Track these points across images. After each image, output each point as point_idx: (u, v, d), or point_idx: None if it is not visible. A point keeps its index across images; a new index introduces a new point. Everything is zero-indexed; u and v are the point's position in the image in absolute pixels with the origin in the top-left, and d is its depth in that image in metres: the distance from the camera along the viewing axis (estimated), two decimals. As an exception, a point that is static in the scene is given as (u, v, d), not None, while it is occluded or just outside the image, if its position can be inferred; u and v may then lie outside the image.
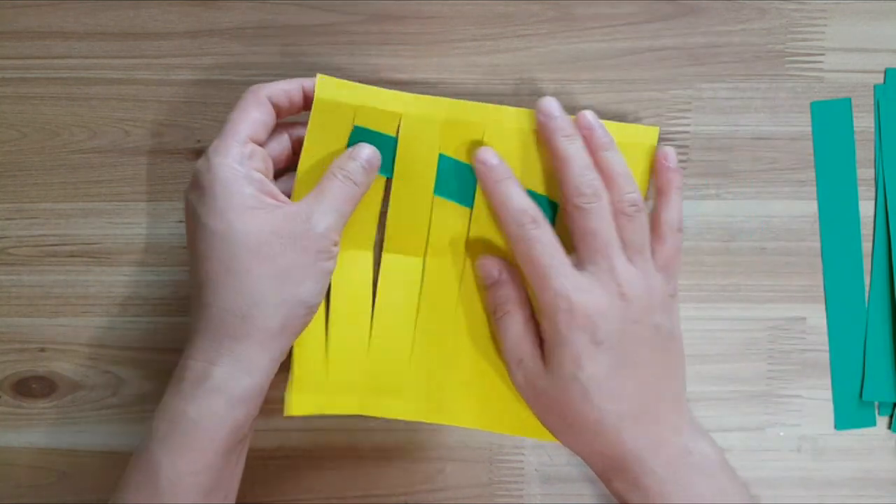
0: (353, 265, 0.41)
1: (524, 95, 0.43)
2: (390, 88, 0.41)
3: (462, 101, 0.40)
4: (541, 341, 0.39)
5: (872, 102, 0.43)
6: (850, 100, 0.43)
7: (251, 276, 0.35)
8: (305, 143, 0.40)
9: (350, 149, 0.39)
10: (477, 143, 0.40)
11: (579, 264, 0.38)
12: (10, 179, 0.43)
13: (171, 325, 0.44)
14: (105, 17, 0.43)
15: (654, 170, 0.40)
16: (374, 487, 0.44)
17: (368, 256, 0.42)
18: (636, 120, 0.43)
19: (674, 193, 0.40)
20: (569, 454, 0.43)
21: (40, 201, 0.43)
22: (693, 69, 0.43)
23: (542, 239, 0.38)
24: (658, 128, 0.41)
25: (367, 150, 0.39)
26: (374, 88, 0.40)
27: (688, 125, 0.43)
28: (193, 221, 0.36)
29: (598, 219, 0.38)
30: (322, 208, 0.37)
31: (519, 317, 0.39)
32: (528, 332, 0.39)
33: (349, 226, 0.40)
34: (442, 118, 0.40)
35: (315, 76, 0.39)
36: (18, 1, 0.43)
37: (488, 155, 0.39)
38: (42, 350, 0.44)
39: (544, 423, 0.40)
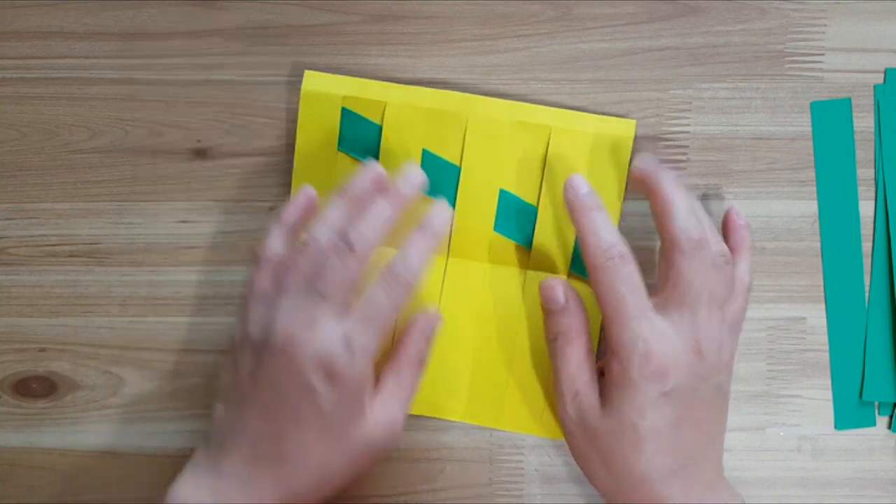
0: None
1: (524, 95, 0.43)
2: (390, 88, 0.42)
3: (445, 91, 0.42)
4: (598, 376, 0.39)
5: (872, 102, 0.43)
6: (850, 100, 0.43)
7: (339, 472, 0.37)
8: (298, 139, 0.41)
9: (416, 320, 0.40)
10: (459, 136, 0.41)
11: (662, 307, 0.37)
12: (10, 179, 0.43)
13: (172, 325, 0.44)
14: (105, 17, 0.43)
15: (727, 226, 0.41)
16: (374, 487, 0.44)
17: None
18: (636, 120, 0.43)
19: (746, 252, 0.40)
20: (569, 454, 0.43)
21: (40, 201, 0.43)
22: (693, 69, 0.43)
23: (629, 276, 0.37)
24: (635, 121, 0.42)
25: (428, 320, 0.40)
26: (359, 79, 0.42)
27: (688, 125, 0.43)
28: (308, 394, 0.36)
29: (700, 268, 0.37)
30: (403, 413, 0.39)
31: (582, 348, 0.39)
32: (587, 365, 0.39)
33: None
34: (425, 106, 0.41)
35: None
36: (18, 1, 0.43)
37: (580, 183, 0.38)
38: (42, 350, 0.44)
39: (582, 465, 0.39)
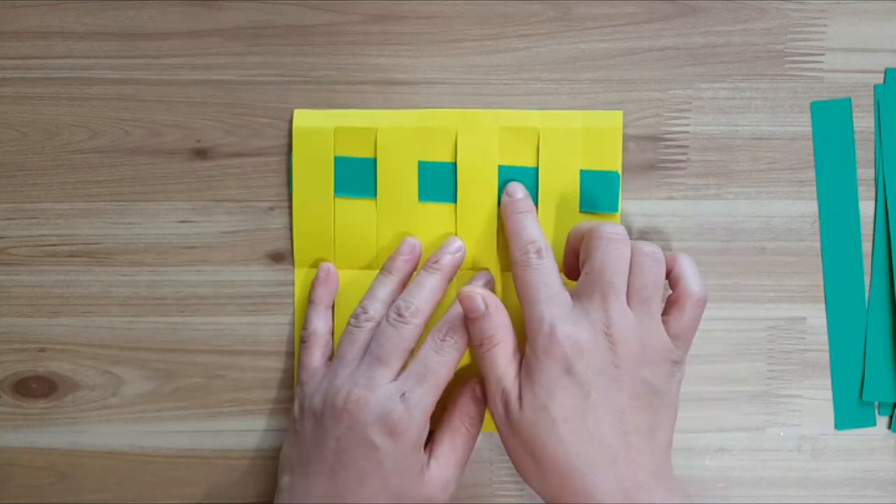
0: (357, 284, 0.43)
1: (524, 95, 0.43)
2: (390, 88, 0.43)
3: (432, 110, 0.42)
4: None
5: (872, 102, 0.43)
6: (850, 100, 0.43)
7: None
8: (294, 176, 0.42)
9: (469, 385, 0.41)
10: (451, 150, 0.42)
11: (576, 297, 0.38)
12: (10, 179, 0.43)
13: (171, 325, 0.44)
14: (105, 17, 0.43)
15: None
16: (374, 487, 0.44)
17: (372, 275, 0.43)
18: (636, 120, 0.43)
19: (684, 265, 0.39)
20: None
21: (40, 201, 0.43)
22: (693, 69, 0.43)
23: (541, 267, 0.38)
24: (621, 112, 0.42)
25: (480, 385, 0.41)
26: (348, 111, 0.42)
27: (688, 125, 0.43)
28: (371, 451, 0.37)
29: (616, 257, 0.37)
30: (458, 473, 0.40)
31: (507, 347, 0.39)
32: (513, 363, 0.38)
33: (351, 249, 0.43)
34: (415, 126, 0.42)
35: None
36: (18, 1, 0.43)
37: (515, 188, 0.42)
38: (42, 350, 0.44)
39: (517, 466, 0.39)
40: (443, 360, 0.39)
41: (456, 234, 0.42)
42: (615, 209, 0.42)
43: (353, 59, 0.43)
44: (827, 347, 0.43)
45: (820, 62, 0.43)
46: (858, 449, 0.44)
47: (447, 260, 0.41)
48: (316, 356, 0.42)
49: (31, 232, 0.43)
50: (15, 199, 0.43)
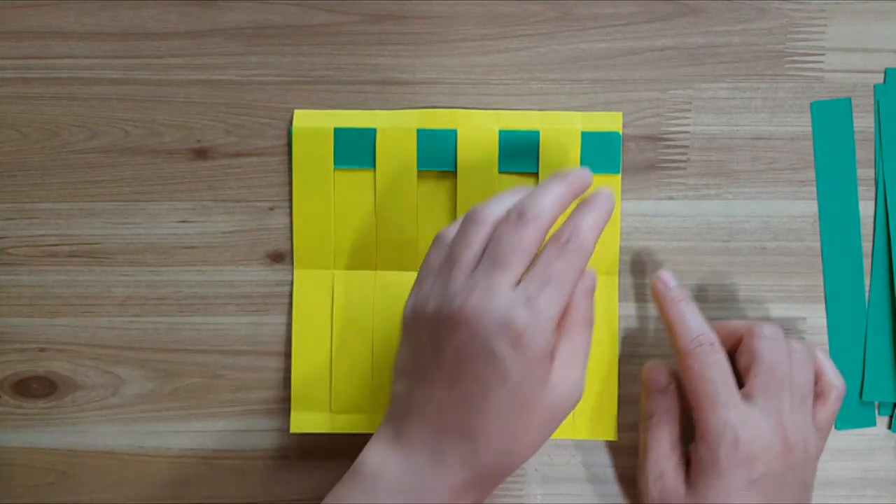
0: (357, 284, 0.43)
1: (524, 95, 0.43)
2: (390, 88, 0.43)
3: (432, 110, 0.42)
4: (686, 461, 0.39)
5: (872, 102, 0.43)
6: (850, 100, 0.43)
7: (527, 442, 0.35)
8: (294, 174, 0.42)
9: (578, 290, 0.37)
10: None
11: (748, 396, 0.38)
12: (10, 179, 0.43)
13: (171, 325, 0.44)
14: (105, 17, 0.43)
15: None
16: (374, 487, 0.44)
17: (372, 275, 0.43)
18: (636, 120, 0.43)
19: (819, 352, 0.40)
20: (569, 454, 0.43)
21: (40, 201, 0.43)
22: (693, 69, 0.43)
23: (719, 363, 0.38)
24: (621, 113, 0.42)
25: (585, 278, 0.37)
26: (347, 111, 0.42)
27: (688, 125, 0.43)
28: (493, 362, 0.34)
29: (780, 356, 0.38)
30: (582, 375, 0.36)
31: (673, 430, 0.40)
32: (676, 448, 0.39)
33: (351, 245, 0.42)
34: (414, 127, 0.42)
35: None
36: (18, 1, 0.43)
37: (668, 277, 0.40)
38: (42, 350, 0.44)
39: None
40: (567, 264, 0.34)
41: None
42: (617, 170, 0.42)
43: (353, 59, 0.43)
44: (827, 347, 0.43)
45: (820, 62, 0.43)
46: (858, 449, 0.44)
47: (577, 173, 0.36)
48: (439, 258, 0.37)
49: (31, 232, 0.43)
50: (15, 199, 0.43)
